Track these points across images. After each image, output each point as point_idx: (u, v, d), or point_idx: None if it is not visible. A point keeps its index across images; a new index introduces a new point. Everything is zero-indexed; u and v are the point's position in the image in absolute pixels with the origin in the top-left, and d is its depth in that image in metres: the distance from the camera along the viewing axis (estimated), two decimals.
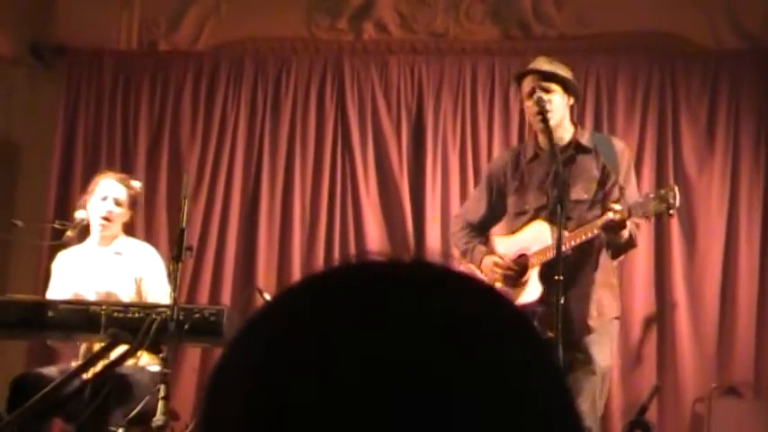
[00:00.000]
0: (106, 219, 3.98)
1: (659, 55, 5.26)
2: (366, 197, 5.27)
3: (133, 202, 4.08)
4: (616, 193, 3.57)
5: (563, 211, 3.31)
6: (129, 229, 4.23)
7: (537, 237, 3.60)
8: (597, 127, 5.20)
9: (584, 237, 3.44)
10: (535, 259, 3.59)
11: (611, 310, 3.64)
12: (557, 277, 3.24)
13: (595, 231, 3.40)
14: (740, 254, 5.00)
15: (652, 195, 3.41)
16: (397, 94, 5.36)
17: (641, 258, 5.03)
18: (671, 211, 3.36)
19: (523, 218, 3.70)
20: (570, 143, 3.67)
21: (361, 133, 5.33)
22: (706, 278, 5.01)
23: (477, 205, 3.95)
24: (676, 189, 3.39)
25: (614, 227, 3.34)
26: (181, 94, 5.47)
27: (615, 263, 3.73)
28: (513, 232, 3.74)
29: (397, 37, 5.50)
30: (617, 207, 3.32)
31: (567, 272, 3.36)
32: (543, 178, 3.68)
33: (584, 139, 3.72)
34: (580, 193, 3.56)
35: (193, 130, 5.43)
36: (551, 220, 3.55)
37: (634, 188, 3.72)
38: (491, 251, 3.77)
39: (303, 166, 5.34)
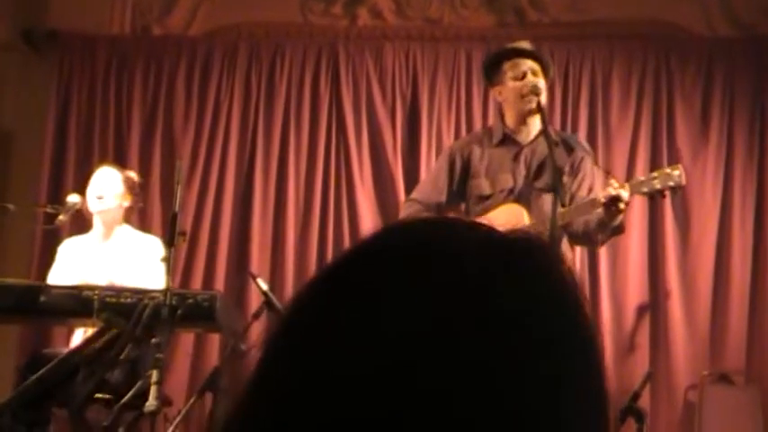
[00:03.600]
0: (99, 197, 4.00)
1: (654, 42, 5.26)
2: (360, 183, 5.26)
3: (129, 186, 4.08)
4: (585, 187, 3.51)
5: (557, 198, 3.27)
6: (130, 219, 4.21)
7: (511, 218, 3.48)
8: (592, 114, 5.21)
9: (583, 214, 3.39)
10: None
11: None
12: None
13: (597, 209, 3.32)
14: (733, 242, 5.01)
15: (655, 174, 3.37)
16: (392, 81, 5.34)
17: (635, 246, 5.04)
18: (678, 192, 3.31)
19: (486, 202, 3.58)
20: (541, 132, 3.59)
21: (355, 119, 5.32)
22: (699, 266, 5.02)
23: (435, 187, 3.71)
24: (681, 168, 3.35)
25: (615, 203, 3.22)
26: (174, 79, 5.44)
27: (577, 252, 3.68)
28: (478, 216, 3.58)
29: (392, 23, 5.49)
30: (615, 183, 3.27)
31: None
32: (511, 161, 3.59)
33: (553, 133, 3.64)
34: (546, 182, 3.49)
35: (187, 116, 5.41)
36: (520, 203, 3.50)
37: (600, 185, 3.62)
38: None
39: (297, 151, 5.32)
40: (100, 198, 4.02)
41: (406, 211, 3.79)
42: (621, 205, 3.25)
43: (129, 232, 4.12)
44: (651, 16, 5.29)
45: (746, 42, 5.22)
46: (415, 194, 3.88)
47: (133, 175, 4.20)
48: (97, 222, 4.08)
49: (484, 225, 0.62)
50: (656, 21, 5.30)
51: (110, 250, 4.05)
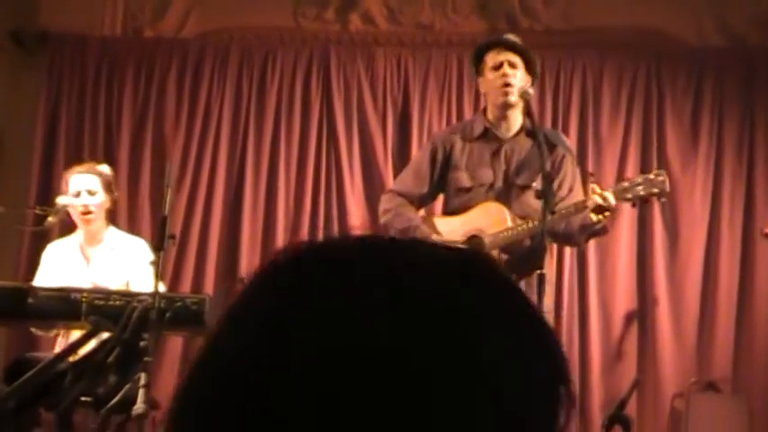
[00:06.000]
0: (86, 212, 3.98)
1: (645, 52, 5.28)
2: (351, 188, 5.27)
3: (107, 186, 4.04)
4: (566, 186, 3.49)
5: (547, 204, 3.24)
6: (113, 217, 4.20)
7: (493, 218, 3.45)
8: (582, 122, 5.22)
9: (567, 218, 3.38)
10: (490, 242, 3.40)
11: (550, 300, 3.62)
12: (539, 271, 3.18)
13: (582, 215, 3.32)
14: (722, 251, 5.03)
15: (639, 180, 3.37)
16: (384, 87, 5.35)
17: (623, 254, 5.05)
18: (662, 199, 3.31)
19: (465, 196, 3.54)
20: (522, 128, 3.58)
21: (346, 124, 5.32)
22: (687, 275, 5.04)
23: (416, 178, 3.66)
24: (665, 174, 3.35)
25: (601, 210, 3.24)
26: (165, 81, 5.44)
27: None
28: (457, 212, 3.55)
29: (384, 29, 5.49)
30: (598, 188, 3.27)
31: (522, 259, 3.30)
32: (491, 156, 3.56)
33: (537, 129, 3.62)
34: (527, 179, 3.47)
35: (178, 119, 5.40)
36: (502, 201, 3.47)
37: (580, 185, 3.60)
38: (435, 232, 3.53)
39: (288, 156, 5.32)
40: (86, 209, 3.98)
41: (386, 204, 3.70)
42: (607, 213, 3.27)
43: (116, 235, 4.10)
44: (642, 26, 5.31)
45: (737, 53, 5.25)
46: (396, 186, 3.82)
47: (106, 169, 4.13)
48: (82, 228, 4.06)
49: (442, 248, 0.62)
50: (647, 30, 5.32)
51: (97, 255, 4.03)
